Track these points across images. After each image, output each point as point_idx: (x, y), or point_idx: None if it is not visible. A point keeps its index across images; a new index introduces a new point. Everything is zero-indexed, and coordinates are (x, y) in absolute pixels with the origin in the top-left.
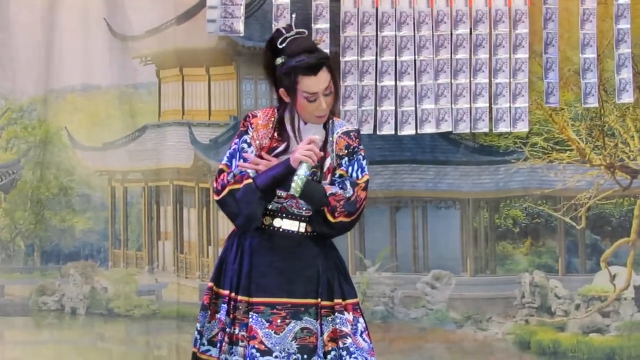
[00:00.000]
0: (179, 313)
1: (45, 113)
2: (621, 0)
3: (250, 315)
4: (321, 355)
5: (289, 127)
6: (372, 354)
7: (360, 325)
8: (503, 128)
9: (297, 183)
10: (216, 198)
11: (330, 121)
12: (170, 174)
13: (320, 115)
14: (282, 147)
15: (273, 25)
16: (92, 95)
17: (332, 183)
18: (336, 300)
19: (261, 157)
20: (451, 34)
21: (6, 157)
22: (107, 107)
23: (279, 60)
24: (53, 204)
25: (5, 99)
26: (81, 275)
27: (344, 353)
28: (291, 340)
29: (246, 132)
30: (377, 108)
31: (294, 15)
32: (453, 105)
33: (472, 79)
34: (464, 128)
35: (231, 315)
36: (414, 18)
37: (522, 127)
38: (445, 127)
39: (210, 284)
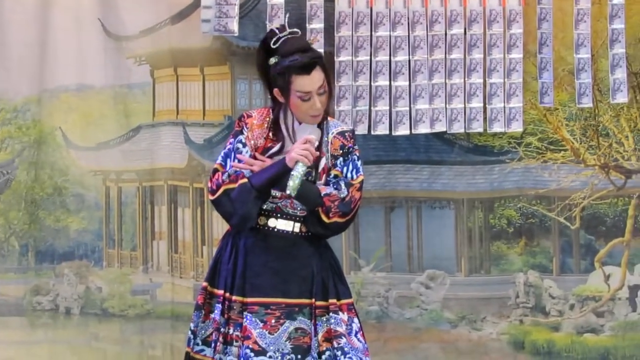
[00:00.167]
0: (173, 313)
1: (39, 113)
2: (615, 1)
3: (244, 315)
4: (315, 355)
5: (283, 128)
6: (367, 354)
7: (355, 325)
8: (497, 128)
9: (293, 182)
10: (211, 198)
11: (325, 121)
12: (165, 174)
13: (314, 115)
14: (276, 147)
15: (267, 25)
16: (86, 95)
17: (326, 183)
18: (331, 301)
19: (255, 158)
20: (445, 34)
21: (0, 157)
22: (102, 107)
23: (272, 60)
24: (47, 204)
25: None
26: (75, 275)
27: (339, 353)
28: (285, 341)
29: (241, 132)
30: (372, 108)
31: (287, 15)
32: (447, 105)
33: (466, 79)
34: (458, 128)
35: (225, 315)
36: (408, 18)
37: (517, 127)
38: (440, 127)
39: (205, 283)
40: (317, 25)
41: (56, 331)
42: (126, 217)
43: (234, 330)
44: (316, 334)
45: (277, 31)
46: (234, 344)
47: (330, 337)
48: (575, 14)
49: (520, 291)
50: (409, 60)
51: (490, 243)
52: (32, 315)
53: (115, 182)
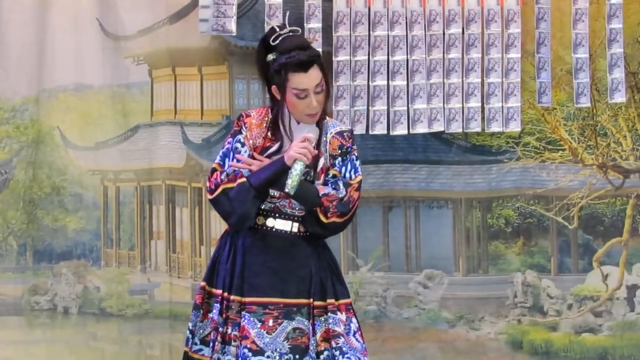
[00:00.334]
0: (171, 312)
1: (37, 113)
2: (613, 0)
3: (242, 315)
4: (314, 355)
5: (282, 127)
6: (365, 354)
7: (353, 325)
8: (495, 128)
9: (291, 181)
10: (209, 197)
11: (324, 121)
12: (163, 174)
13: (310, 114)
14: (275, 146)
15: (265, 24)
16: (84, 95)
17: (325, 183)
18: (329, 300)
19: (253, 158)
20: (443, 34)
21: None
22: (100, 107)
23: (270, 57)
24: (45, 204)
25: None
26: (74, 275)
27: (337, 353)
28: (283, 341)
29: (240, 132)
30: (370, 108)
31: (288, 13)
32: (445, 105)
33: (464, 79)
34: (456, 128)
35: (224, 315)
36: (406, 18)
37: (515, 127)
38: (438, 127)
39: (203, 283)
40: (315, 24)
41: (54, 331)
42: (124, 217)
43: (232, 330)
44: (314, 333)
45: (277, 29)
46: (232, 343)
47: (328, 337)
48: (573, 14)
49: (518, 291)
50: (407, 60)
51: (488, 243)
52: (30, 314)
53: (114, 182)
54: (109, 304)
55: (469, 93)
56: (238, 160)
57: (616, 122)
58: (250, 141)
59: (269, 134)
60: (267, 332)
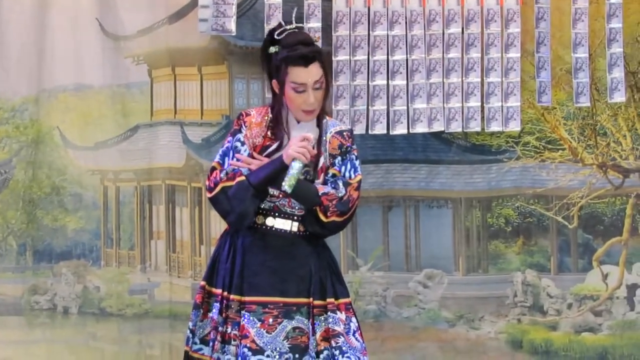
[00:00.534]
0: (171, 312)
1: (37, 113)
2: (613, 0)
3: (242, 314)
4: (313, 354)
5: (282, 126)
6: (365, 353)
7: (353, 325)
8: (495, 127)
9: (289, 179)
10: (209, 195)
11: (324, 120)
12: (163, 174)
13: (307, 110)
14: (275, 146)
15: (265, 24)
16: (84, 95)
17: (324, 182)
18: (329, 300)
19: (253, 157)
20: (443, 33)
21: None
22: (100, 107)
23: (273, 49)
24: (45, 204)
25: None
26: (73, 275)
27: (337, 352)
28: (283, 340)
29: (239, 131)
30: (369, 107)
31: (295, 9)
32: (445, 105)
33: (464, 78)
34: (456, 127)
35: (223, 314)
36: (406, 17)
37: (514, 126)
38: (438, 127)
39: (203, 282)
40: (314, 24)
41: (54, 330)
42: (124, 217)
43: (232, 329)
44: (314, 333)
45: (283, 24)
46: (232, 342)
47: (328, 336)
48: (573, 13)
49: (518, 290)
50: (407, 60)
51: (488, 242)
52: (30, 314)
53: (113, 182)
54: (109, 304)
55: (468, 92)
56: (238, 160)
57: (616, 122)
58: (250, 140)
59: (268, 133)
60: (267, 331)
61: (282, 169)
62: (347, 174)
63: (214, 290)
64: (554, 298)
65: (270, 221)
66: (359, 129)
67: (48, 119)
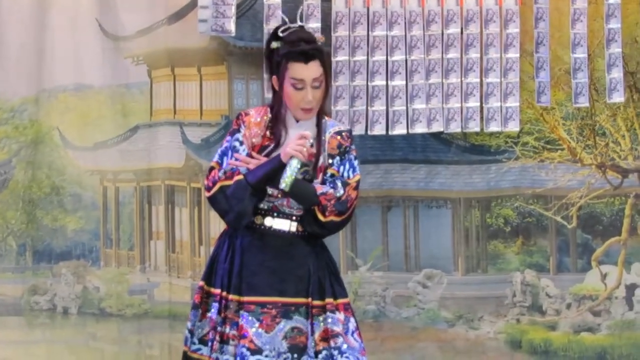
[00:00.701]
0: (170, 312)
1: (37, 113)
2: (612, 0)
3: (240, 314)
4: (312, 354)
5: (280, 124)
6: (364, 354)
7: (352, 325)
8: (494, 127)
9: (287, 177)
10: (207, 195)
11: (323, 121)
12: (162, 174)
13: (305, 108)
14: (273, 145)
15: (264, 25)
16: (84, 95)
17: (323, 182)
18: (327, 300)
19: (252, 157)
20: (442, 34)
21: None
22: (99, 107)
23: (275, 44)
24: (45, 204)
25: None
26: (73, 275)
27: (336, 352)
28: (281, 340)
29: (238, 130)
30: (369, 108)
31: (301, 8)
32: (444, 105)
33: (463, 79)
34: (455, 127)
35: (222, 314)
36: (405, 18)
37: (513, 127)
38: (437, 127)
39: (202, 282)
40: (313, 25)
41: (54, 331)
42: (124, 217)
43: (230, 329)
44: (313, 333)
45: (288, 21)
46: (231, 342)
47: (327, 336)
48: (572, 14)
49: (517, 290)
50: (406, 60)
51: (487, 242)
52: (29, 315)
53: (113, 182)
54: (109, 304)
55: (467, 93)
56: (236, 159)
57: (615, 122)
58: (249, 140)
59: (267, 133)
60: (266, 331)
61: (280, 167)
62: (345, 174)
63: (213, 290)
64: (553, 298)
65: (268, 221)
66: (359, 130)
67: (47, 120)
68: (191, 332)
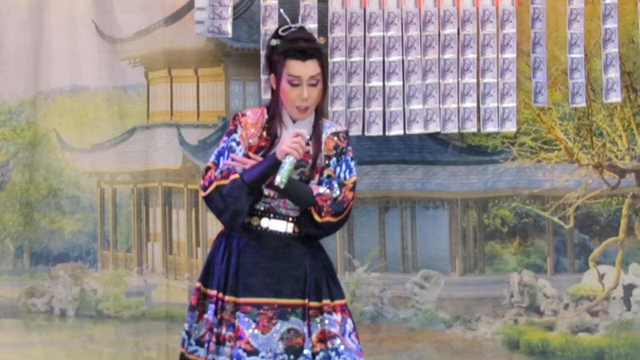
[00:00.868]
0: (168, 314)
1: (34, 115)
2: (608, 0)
3: (237, 316)
4: (309, 356)
5: (277, 124)
6: (361, 355)
7: (349, 326)
8: (491, 128)
9: (282, 174)
10: (203, 194)
11: (320, 121)
12: (159, 176)
13: (300, 106)
14: (269, 146)
15: (261, 26)
16: (81, 97)
17: (319, 183)
18: (324, 301)
19: (248, 157)
20: (439, 34)
21: None
22: (96, 109)
23: (274, 42)
24: (42, 206)
25: None
26: (70, 277)
27: (333, 354)
28: (278, 341)
29: (235, 131)
30: (365, 109)
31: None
32: (441, 106)
33: (460, 79)
34: (452, 128)
35: (218, 316)
36: (401, 18)
37: (510, 127)
38: (434, 128)
39: (198, 284)
40: (310, 25)
41: (51, 333)
42: (121, 219)
43: (226, 331)
44: (310, 334)
45: (289, 21)
46: (227, 344)
47: (324, 338)
48: (569, 14)
49: (514, 291)
50: (403, 61)
51: (484, 243)
52: (27, 317)
53: (110, 184)
54: (106, 306)
55: (464, 93)
56: (233, 159)
57: (611, 122)
58: (246, 140)
59: (264, 133)
60: (262, 333)
61: (276, 165)
62: (342, 175)
63: (209, 291)
64: (550, 298)
65: (265, 222)
66: (355, 130)
67: (45, 121)
68: (188, 333)
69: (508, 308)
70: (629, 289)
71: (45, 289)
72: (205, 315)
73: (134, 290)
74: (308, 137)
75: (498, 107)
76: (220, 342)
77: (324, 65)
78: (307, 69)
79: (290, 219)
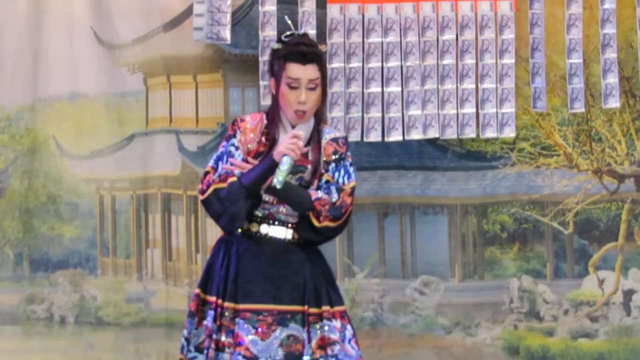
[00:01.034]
0: (167, 320)
1: (33, 121)
2: (607, 5)
3: (236, 322)
4: None
5: (276, 129)
6: None
7: (349, 332)
8: (490, 133)
9: (279, 174)
10: (201, 198)
11: (320, 128)
12: (158, 182)
13: (298, 110)
14: (268, 151)
15: (259, 32)
16: (79, 104)
17: (318, 188)
18: (324, 308)
19: (247, 162)
20: (437, 40)
21: None
22: (95, 116)
23: (276, 46)
24: (41, 213)
25: None
26: (70, 284)
27: None
28: (277, 347)
29: (234, 136)
30: (364, 115)
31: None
32: (440, 111)
33: (458, 85)
34: (451, 134)
35: (218, 322)
36: (400, 24)
37: (509, 133)
38: (432, 133)
39: (198, 290)
40: (309, 32)
41: (51, 340)
42: (120, 225)
43: (226, 337)
44: (309, 341)
45: (293, 27)
46: (226, 350)
47: (324, 344)
48: (567, 19)
49: (514, 296)
50: (401, 67)
51: (484, 248)
52: (26, 324)
53: (109, 191)
54: (106, 313)
55: (463, 99)
56: (231, 164)
57: (610, 127)
58: (245, 145)
59: (263, 138)
60: (261, 339)
61: (273, 167)
62: (340, 180)
63: (209, 297)
64: (550, 304)
65: (264, 229)
66: (354, 136)
67: (44, 128)
68: (187, 340)
69: (508, 314)
70: (628, 294)
71: (44, 296)
72: (205, 322)
73: (133, 296)
74: (307, 140)
75: (497, 112)
76: (219, 348)
77: (324, 71)
78: (306, 72)
79: (290, 225)
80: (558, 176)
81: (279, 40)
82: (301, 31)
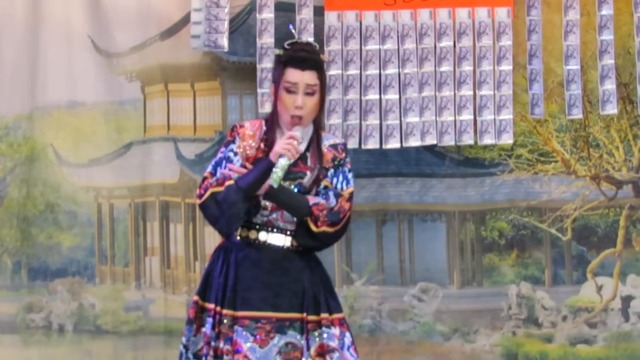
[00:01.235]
0: (166, 329)
1: (31, 130)
2: (604, 12)
3: (235, 329)
4: None
5: (275, 134)
6: None
7: (347, 340)
8: (488, 140)
9: (275, 173)
10: (199, 202)
11: (319, 135)
12: (156, 190)
13: (295, 115)
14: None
15: (257, 40)
16: (77, 112)
17: (316, 194)
18: (323, 315)
19: (245, 167)
20: (435, 47)
21: None
22: (93, 124)
23: (277, 51)
24: (39, 221)
25: None
26: (68, 292)
27: None
28: (275, 355)
29: (233, 142)
30: (362, 122)
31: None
32: (438, 118)
33: (456, 92)
34: (448, 141)
35: (216, 329)
36: (397, 31)
37: (507, 139)
38: (430, 140)
39: (196, 297)
40: (306, 39)
41: (49, 348)
42: (118, 234)
43: (224, 344)
44: (308, 348)
45: (296, 35)
46: (225, 357)
47: (323, 352)
48: (564, 26)
49: (512, 303)
50: (399, 74)
51: (482, 255)
52: (25, 332)
53: (107, 199)
54: (104, 321)
55: (461, 106)
56: (230, 170)
57: (608, 134)
58: (243, 151)
59: (261, 145)
60: (260, 346)
61: (270, 168)
62: (339, 186)
63: (207, 305)
64: (548, 310)
65: (263, 236)
66: (352, 144)
67: (42, 136)
68: (186, 347)
69: (506, 320)
70: (627, 300)
71: (43, 304)
72: (203, 329)
73: (132, 305)
74: (302, 141)
75: (495, 119)
76: (218, 356)
77: (323, 78)
78: (304, 77)
79: (289, 232)
80: (556, 182)
81: (282, 47)
82: (305, 40)
